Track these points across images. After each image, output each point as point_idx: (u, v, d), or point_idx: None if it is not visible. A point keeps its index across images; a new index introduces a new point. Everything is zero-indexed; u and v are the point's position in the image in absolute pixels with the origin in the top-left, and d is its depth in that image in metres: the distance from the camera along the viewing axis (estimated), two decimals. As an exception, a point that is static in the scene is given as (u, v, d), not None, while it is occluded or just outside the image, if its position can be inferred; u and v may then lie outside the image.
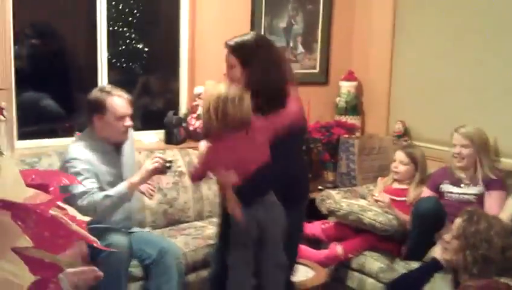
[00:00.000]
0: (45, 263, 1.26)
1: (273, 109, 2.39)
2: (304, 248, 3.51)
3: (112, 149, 3.01)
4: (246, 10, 4.28)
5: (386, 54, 4.44)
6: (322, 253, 3.47)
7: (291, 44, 4.52)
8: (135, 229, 3.19)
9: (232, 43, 2.50)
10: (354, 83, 4.59)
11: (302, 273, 3.15)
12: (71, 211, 1.33)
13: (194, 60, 4.07)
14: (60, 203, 1.29)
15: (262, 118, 2.35)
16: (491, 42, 3.76)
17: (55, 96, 3.77)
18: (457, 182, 3.42)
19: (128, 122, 2.96)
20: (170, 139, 3.92)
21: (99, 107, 2.91)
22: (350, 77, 4.60)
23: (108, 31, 3.81)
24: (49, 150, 3.43)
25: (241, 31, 4.19)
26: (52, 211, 1.23)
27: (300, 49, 4.57)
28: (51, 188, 1.37)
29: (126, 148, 3.10)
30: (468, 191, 3.37)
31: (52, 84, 3.80)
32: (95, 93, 2.96)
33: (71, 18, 3.93)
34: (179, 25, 4.11)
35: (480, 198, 3.32)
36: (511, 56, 3.65)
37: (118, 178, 2.96)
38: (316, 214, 3.74)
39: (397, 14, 4.38)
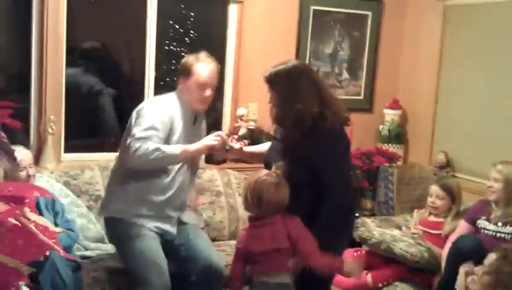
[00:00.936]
0: (8, 268, 1.33)
1: (293, 137, 2.46)
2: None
3: (189, 115, 2.97)
4: (292, 35, 4.34)
5: (432, 83, 4.41)
6: (352, 280, 3.46)
7: (336, 70, 4.55)
8: (186, 217, 3.11)
9: (266, 74, 2.57)
10: (399, 112, 4.56)
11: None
12: (43, 222, 1.41)
13: (238, 82, 4.16)
14: (32, 215, 1.38)
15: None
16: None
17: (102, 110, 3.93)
18: (493, 219, 3.36)
19: (208, 92, 2.91)
20: (210, 159, 3.98)
21: (185, 71, 2.91)
22: (395, 105, 4.57)
23: (161, 49, 3.97)
24: (92, 164, 3.57)
25: (287, 55, 4.33)
26: (20, 220, 1.31)
27: (346, 75, 4.59)
28: (27, 200, 1.45)
29: (201, 125, 3.10)
30: (504, 230, 3.31)
31: (101, 100, 3.96)
32: (187, 57, 2.97)
33: (122, 36, 4.09)
34: (226, 47, 4.22)
35: (515, 237, 3.25)
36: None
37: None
38: (350, 242, 3.73)
39: (444, 44, 4.35)
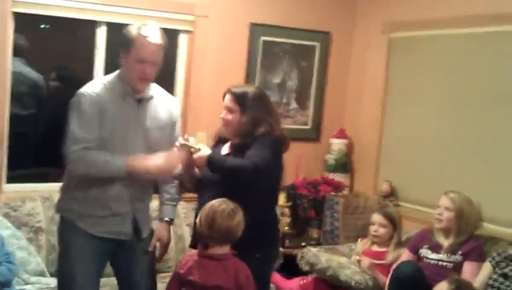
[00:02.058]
0: None
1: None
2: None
3: (132, 95, 2.62)
4: (242, 65, 4.39)
5: (377, 113, 4.51)
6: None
7: (284, 100, 4.61)
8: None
9: (237, 91, 2.73)
10: (345, 141, 4.64)
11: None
12: None
13: (187, 111, 4.16)
14: None
15: None
16: (481, 106, 3.81)
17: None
18: (436, 248, 3.43)
19: (148, 69, 2.57)
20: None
21: (124, 42, 2.59)
22: (341, 134, 4.66)
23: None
24: (35, 195, 3.51)
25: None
26: None
27: (294, 105, 4.65)
28: None
29: (153, 106, 2.69)
30: (446, 258, 3.37)
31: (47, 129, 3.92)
32: (130, 27, 2.62)
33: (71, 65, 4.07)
34: (175, 77, 4.24)
35: (457, 265, 3.32)
36: (500, 121, 3.70)
37: (131, 134, 2.61)
38: (295, 271, 3.76)
39: (389, 74, 4.46)
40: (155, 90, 2.74)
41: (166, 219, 2.84)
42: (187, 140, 2.68)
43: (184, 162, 2.69)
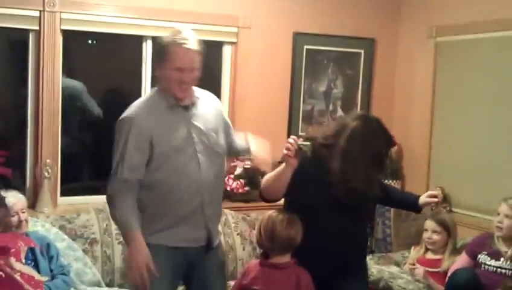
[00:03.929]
0: None
1: None
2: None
3: (177, 104, 2.52)
4: (286, 74, 4.41)
5: (426, 118, 4.44)
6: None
7: (330, 107, 4.59)
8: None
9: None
10: (394, 147, 4.57)
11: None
12: (28, 271, 1.40)
13: (234, 122, 4.18)
14: (18, 264, 1.38)
15: None
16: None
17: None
18: (495, 255, 3.33)
19: (187, 76, 2.47)
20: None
21: (159, 53, 2.52)
22: (389, 141, 4.58)
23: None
24: (88, 207, 3.57)
25: (281, 94, 4.41)
26: (4, 271, 1.31)
27: (340, 112, 4.62)
28: (12, 250, 1.45)
29: (202, 108, 2.60)
30: (506, 266, 3.27)
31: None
32: (163, 37, 2.53)
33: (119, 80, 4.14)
34: (221, 88, 4.28)
35: (517, 273, 3.23)
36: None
37: (188, 142, 2.51)
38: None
39: (437, 79, 4.39)
40: (198, 90, 2.65)
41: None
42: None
43: (292, 166, 2.50)
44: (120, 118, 2.50)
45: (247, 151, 2.75)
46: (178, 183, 2.47)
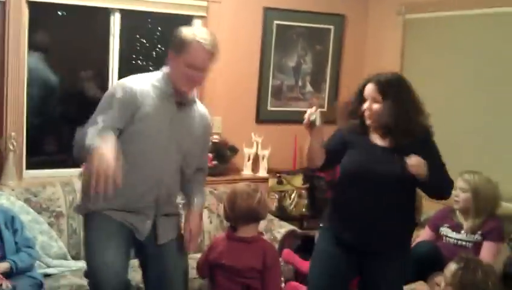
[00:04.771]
0: None
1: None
2: (297, 286, 3.54)
3: (174, 96, 2.52)
4: (256, 49, 4.41)
5: (393, 95, 4.48)
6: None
7: (299, 83, 4.61)
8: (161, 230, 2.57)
9: (380, 79, 2.60)
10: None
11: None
12: None
13: (204, 98, 4.17)
14: None
15: None
16: (495, 86, 3.79)
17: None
18: (456, 227, 3.43)
19: (198, 74, 2.48)
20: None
21: (178, 45, 2.48)
22: (358, 116, 4.63)
23: (127, 64, 3.98)
24: (54, 180, 3.55)
25: (251, 68, 4.39)
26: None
27: (309, 88, 4.65)
28: None
29: (192, 113, 2.60)
30: (466, 238, 3.37)
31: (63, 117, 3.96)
32: (184, 29, 2.52)
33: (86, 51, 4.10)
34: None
35: (476, 245, 3.32)
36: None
37: (165, 134, 2.49)
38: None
39: (405, 56, 4.43)
40: (197, 99, 2.68)
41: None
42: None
43: (312, 137, 2.56)
44: (119, 81, 2.54)
45: (187, 204, 2.70)
46: (140, 168, 2.45)
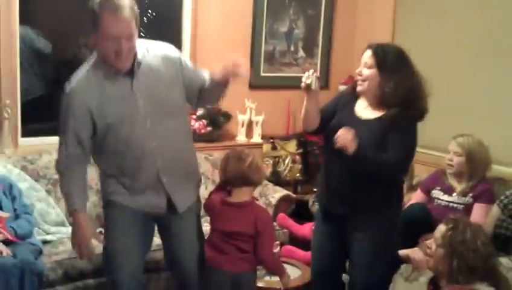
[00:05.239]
0: None
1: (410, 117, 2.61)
2: (292, 249, 3.61)
3: (118, 72, 2.37)
4: (247, 14, 4.38)
5: (385, 59, 4.49)
6: (310, 254, 3.53)
7: (292, 48, 4.61)
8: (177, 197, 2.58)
9: (378, 47, 2.61)
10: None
11: (290, 273, 3.22)
12: None
13: (196, 63, 4.17)
14: None
15: None
16: (490, 52, 3.80)
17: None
18: (448, 190, 3.48)
19: (123, 45, 2.27)
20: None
21: (91, 21, 2.28)
22: (350, 81, 4.59)
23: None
24: (50, 148, 3.55)
25: (242, 34, 4.39)
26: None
27: (301, 53, 4.65)
28: None
29: (146, 69, 2.42)
30: (457, 200, 3.42)
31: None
32: (93, 3, 2.28)
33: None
34: (182, 27, 4.24)
35: (467, 207, 3.37)
36: (509, 66, 3.70)
37: (134, 110, 2.40)
38: (307, 216, 3.83)
39: (397, 20, 4.44)
40: (141, 50, 2.42)
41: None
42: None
43: (308, 99, 2.59)
44: (66, 84, 2.41)
45: (214, 76, 2.52)
46: (126, 152, 2.44)
